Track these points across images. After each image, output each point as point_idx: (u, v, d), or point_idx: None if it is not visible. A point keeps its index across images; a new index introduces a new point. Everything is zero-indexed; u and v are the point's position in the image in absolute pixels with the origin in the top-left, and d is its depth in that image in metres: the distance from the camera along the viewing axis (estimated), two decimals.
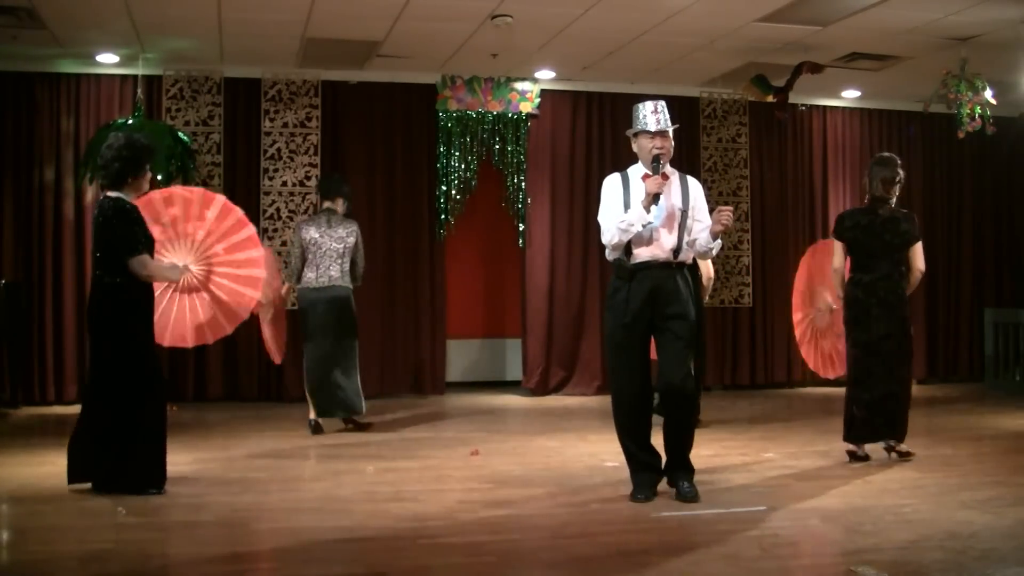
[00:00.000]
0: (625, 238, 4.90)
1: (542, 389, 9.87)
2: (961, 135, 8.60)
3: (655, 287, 4.92)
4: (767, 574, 3.89)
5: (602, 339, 9.96)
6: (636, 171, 5.07)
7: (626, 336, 4.96)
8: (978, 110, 8.36)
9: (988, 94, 8.32)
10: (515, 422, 8.17)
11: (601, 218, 5.06)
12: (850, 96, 10.59)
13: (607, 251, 5.09)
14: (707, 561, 4.09)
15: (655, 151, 4.94)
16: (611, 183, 5.08)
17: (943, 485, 5.38)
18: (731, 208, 4.97)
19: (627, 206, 4.95)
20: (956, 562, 3.93)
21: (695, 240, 5.02)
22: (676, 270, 4.99)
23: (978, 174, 11.16)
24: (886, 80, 9.71)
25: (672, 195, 5.00)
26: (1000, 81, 8.62)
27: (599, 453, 6.40)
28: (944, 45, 8.32)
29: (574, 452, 6.53)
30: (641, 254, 4.94)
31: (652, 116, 4.98)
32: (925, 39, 8.27)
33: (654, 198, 4.87)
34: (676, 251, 4.97)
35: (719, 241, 5.06)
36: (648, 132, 4.97)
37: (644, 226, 4.88)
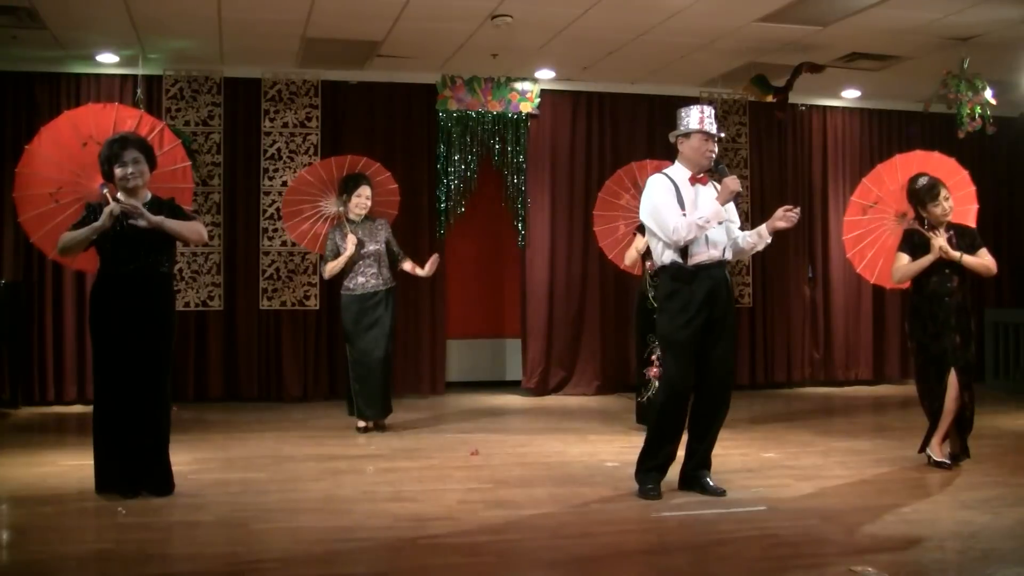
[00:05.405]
0: (700, 235, 5.04)
1: (542, 389, 9.86)
2: (961, 135, 8.58)
3: (714, 287, 5.08)
4: (767, 574, 3.90)
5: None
6: (678, 172, 5.21)
7: (687, 337, 5.05)
8: (978, 110, 8.35)
9: (988, 94, 8.31)
10: (515, 422, 8.16)
11: (655, 218, 5.11)
12: (850, 96, 10.58)
13: (662, 253, 5.15)
14: (707, 561, 4.09)
15: (710, 153, 5.14)
16: (661, 184, 5.17)
17: (943, 485, 5.39)
18: (798, 208, 5.17)
19: (682, 205, 5.08)
20: (956, 562, 3.94)
21: (736, 239, 5.25)
22: (725, 268, 5.21)
23: (978, 174, 11.08)
24: (886, 80, 9.70)
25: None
26: (1000, 81, 8.61)
27: (599, 453, 6.41)
28: (944, 45, 8.31)
29: (574, 452, 6.53)
30: (700, 255, 5.08)
31: (709, 120, 5.15)
32: (925, 39, 8.26)
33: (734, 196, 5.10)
34: (725, 250, 5.18)
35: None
36: (707, 134, 5.13)
37: (720, 223, 5.08)
